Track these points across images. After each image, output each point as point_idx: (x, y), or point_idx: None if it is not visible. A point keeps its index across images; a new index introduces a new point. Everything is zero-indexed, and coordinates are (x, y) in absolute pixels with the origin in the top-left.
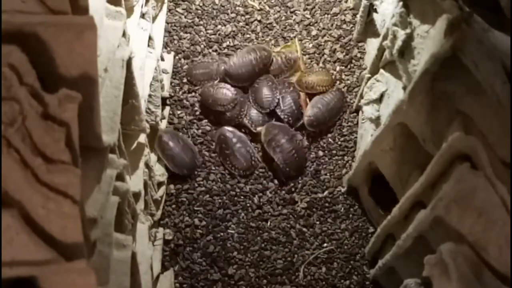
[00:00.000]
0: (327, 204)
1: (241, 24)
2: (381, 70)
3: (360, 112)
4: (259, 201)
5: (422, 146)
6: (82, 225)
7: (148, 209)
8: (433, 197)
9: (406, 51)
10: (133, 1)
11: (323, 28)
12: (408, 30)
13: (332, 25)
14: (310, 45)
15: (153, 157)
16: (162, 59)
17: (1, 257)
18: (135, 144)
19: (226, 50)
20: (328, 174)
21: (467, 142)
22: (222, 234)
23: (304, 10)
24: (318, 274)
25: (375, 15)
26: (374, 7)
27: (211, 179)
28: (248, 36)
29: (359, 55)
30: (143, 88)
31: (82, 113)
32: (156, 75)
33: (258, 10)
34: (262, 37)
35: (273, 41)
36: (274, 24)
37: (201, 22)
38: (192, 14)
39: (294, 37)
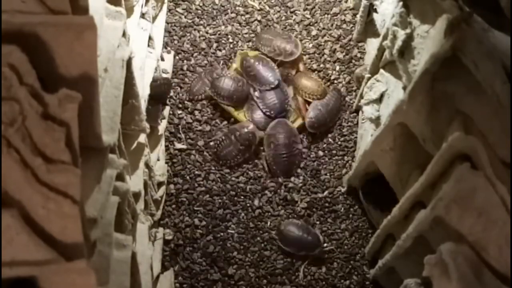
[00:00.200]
0: (327, 204)
1: (241, 24)
2: (381, 70)
3: (360, 112)
4: (259, 201)
5: (422, 146)
6: (82, 225)
7: (148, 209)
8: (433, 197)
9: (406, 51)
10: (133, 1)
11: (323, 28)
12: (408, 30)
13: (332, 25)
14: (310, 45)
15: (153, 157)
16: (162, 59)
17: (1, 257)
18: (135, 144)
19: (225, 51)
20: (328, 174)
21: (467, 142)
22: (222, 234)
23: (304, 10)
24: (318, 274)
25: (375, 15)
26: (374, 7)
27: (211, 179)
28: (248, 36)
29: (359, 55)
30: (143, 88)
31: (82, 113)
32: (156, 75)
33: (258, 10)
34: None
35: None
36: (274, 24)
37: (201, 22)
38: (192, 14)
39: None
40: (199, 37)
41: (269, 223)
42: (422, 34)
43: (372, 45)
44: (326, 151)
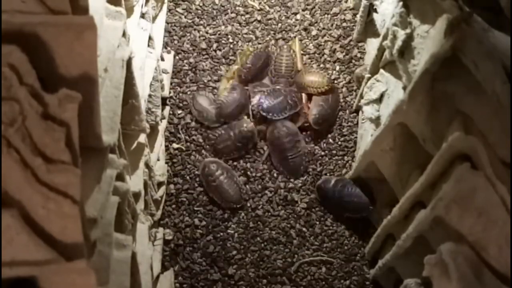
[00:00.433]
0: None
1: (241, 24)
2: (381, 70)
3: (360, 112)
4: (259, 201)
5: (422, 146)
6: (82, 225)
7: (148, 209)
8: (433, 197)
9: (406, 51)
10: (133, 1)
11: (323, 28)
12: (408, 30)
13: (332, 25)
14: (310, 45)
15: (153, 157)
16: (162, 59)
17: (1, 257)
18: (135, 144)
19: (225, 51)
20: (328, 174)
21: (467, 142)
22: (222, 234)
23: (304, 10)
24: (318, 274)
25: (375, 15)
26: (374, 7)
27: None
28: (248, 36)
29: (359, 55)
30: (143, 88)
31: (82, 113)
32: (156, 75)
33: (258, 10)
34: (262, 37)
35: (273, 41)
36: (274, 24)
37: (201, 22)
38: (192, 14)
39: (295, 37)
40: (199, 37)
41: (269, 223)
42: (422, 34)
43: (372, 45)
44: (326, 151)
